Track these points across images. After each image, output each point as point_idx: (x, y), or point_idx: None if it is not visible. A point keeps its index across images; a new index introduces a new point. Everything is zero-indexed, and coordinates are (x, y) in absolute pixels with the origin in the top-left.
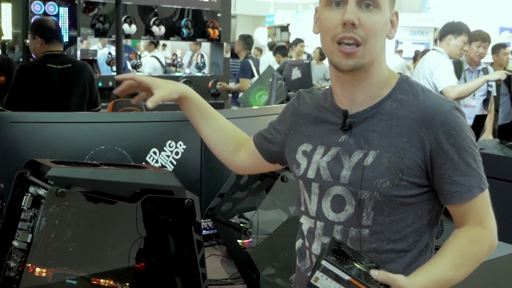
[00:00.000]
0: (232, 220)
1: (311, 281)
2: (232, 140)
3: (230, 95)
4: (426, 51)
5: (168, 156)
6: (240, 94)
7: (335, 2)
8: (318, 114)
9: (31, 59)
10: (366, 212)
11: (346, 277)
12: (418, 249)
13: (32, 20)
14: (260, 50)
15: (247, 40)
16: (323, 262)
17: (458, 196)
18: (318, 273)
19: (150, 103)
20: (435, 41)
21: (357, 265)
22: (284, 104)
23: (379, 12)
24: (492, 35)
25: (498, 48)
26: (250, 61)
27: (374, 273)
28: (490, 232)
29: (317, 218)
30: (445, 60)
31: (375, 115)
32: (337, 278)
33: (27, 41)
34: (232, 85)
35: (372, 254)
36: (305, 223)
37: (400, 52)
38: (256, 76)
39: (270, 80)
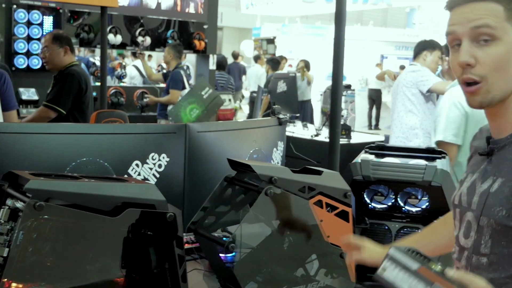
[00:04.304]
0: (216, 234)
1: (378, 272)
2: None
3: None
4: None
5: (151, 169)
6: (170, 107)
7: (455, 43)
8: (480, 144)
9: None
10: (484, 239)
11: (415, 266)
12: None
13: (45, 33)
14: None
15: (178, 49)
16: (391, 251)
17: None
18: (385, 263)
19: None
20: None
21: (429, 261)
22: (267, 118)
23: (498, 43)
24: None
25: None
26: (182, 72)
27: (450, 272)
28: None
29: (456, 242)
30: (424, 68)
31: None
32: (406, 267)
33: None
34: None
35: None
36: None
37: (379, 65)
38: (187, 88)
39: (203, 93)
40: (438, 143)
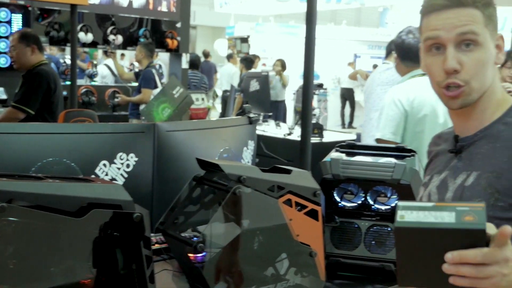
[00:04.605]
0: (186, 234)
1: (397, 221)
2: None
3: None
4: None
5: (119, 169)
6: (142, 106)
7: (434, 47)
8: (442, 147)
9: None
10: None
11: (430, 203)
12: None
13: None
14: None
15: (149, 47)
16: (399, 203)
17: None
18: (400, 212)
19: None
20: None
21: None
22: (238, 117)
23: (480, 49)
24: None
25: None
26: (153, 71)
27: None
28: None
29: None
30: None
31: (483, 138)
32: (422, 208)
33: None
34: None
35: None
36: None
37: (351, 64)
38: (159, 87)
39: (174, 92)
40: (377, 140)
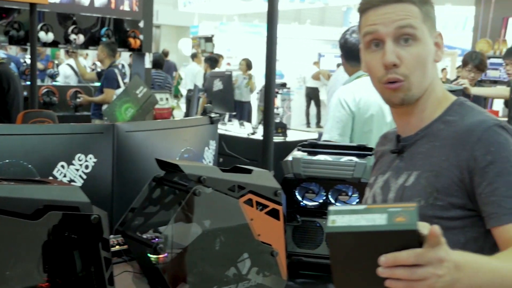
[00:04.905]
0: (147, 235)
1: (328, 226)
2: None
3: None
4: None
5: (77, 170)
6: (104, 106)
7: (373, 43)
8: (387, 147)
9: None
10: None
11: (362, 206)
12: None
13: None
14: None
15: (111, 47)
16: (330, 207)
17: (496, 218)
18: (331, 217)
19: None
20: None
21: None
22: (199, 117)
23: (419, 44)
24: None
25: None
26: (116, 70)
27: None
28: None
29: None
30: None
31: (423, 137)
32: (354, 211)
33: None
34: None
35: None
36: None
37: (317, 63)
38: (122, 87)
39: (137, 92)
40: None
